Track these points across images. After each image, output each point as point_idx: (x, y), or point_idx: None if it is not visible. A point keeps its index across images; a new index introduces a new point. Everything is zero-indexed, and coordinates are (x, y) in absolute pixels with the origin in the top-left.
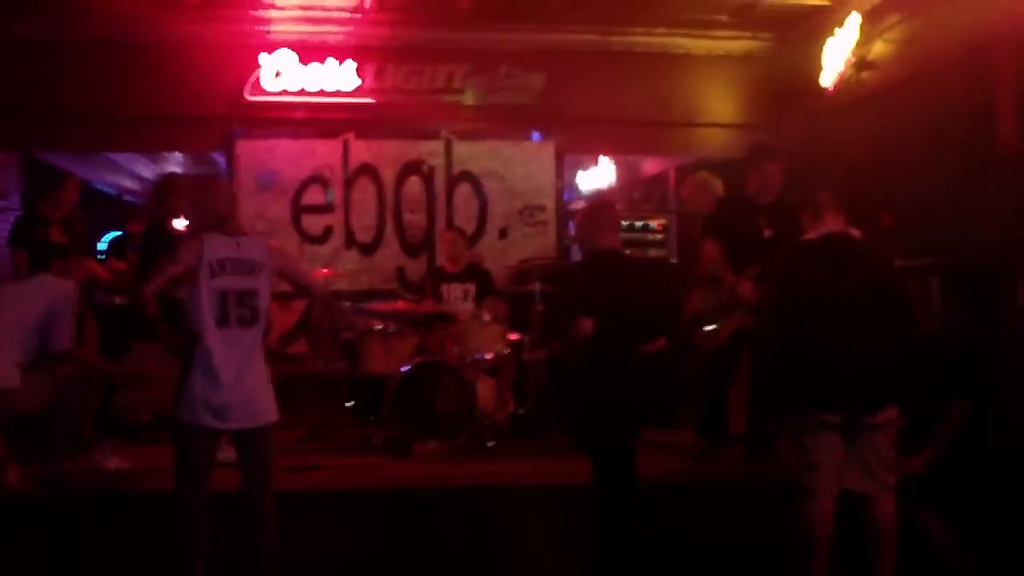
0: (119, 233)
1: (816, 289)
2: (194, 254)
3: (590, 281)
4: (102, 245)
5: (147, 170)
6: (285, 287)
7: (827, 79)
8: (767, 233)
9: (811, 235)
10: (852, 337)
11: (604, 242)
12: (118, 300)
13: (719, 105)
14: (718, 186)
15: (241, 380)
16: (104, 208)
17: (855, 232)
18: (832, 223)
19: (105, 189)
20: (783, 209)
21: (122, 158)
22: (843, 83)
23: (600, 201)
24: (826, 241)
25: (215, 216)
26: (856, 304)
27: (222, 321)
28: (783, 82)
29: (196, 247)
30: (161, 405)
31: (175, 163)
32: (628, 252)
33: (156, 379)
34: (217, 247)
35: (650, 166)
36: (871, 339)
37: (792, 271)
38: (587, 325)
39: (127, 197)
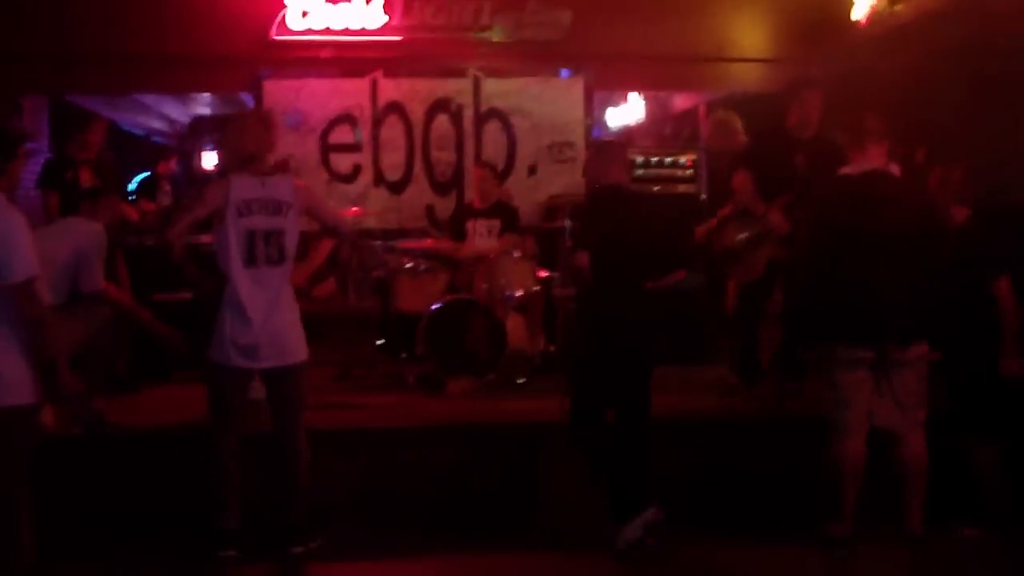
0: (148, 174)
1: (852, 227)
2: (220, 195)
3: (592, 216)
4: (132, 186)
5: (175, 111)
6: (314, 226)
7: (859, 12)
8: (802, 164)
9: (850, 169)
10: (886, 273)
11: (611, 178)
12: (149, 241)
13: (750, 39)
14: (738, 124)
15: (270, 319)
16: (133, 149)
17: (895, 169)
18: (875, 156)
19: (134, 130)
20: (823, 144)
21: (150, 99)
22: (876, 15)
23: (609, 139)
24: (866, 179)
25: (243, 156)
26: (892, 242)
27: (250, 261)
28: (815, 15)
29: (222, 188)
30: None
31: (203, 104)
32: (656, 189)
33: None
34: (243, 187)
35: (680, 102)
36: (905, 275)
37: (829, 209)
38: (582, 259)
39: (156, 138)
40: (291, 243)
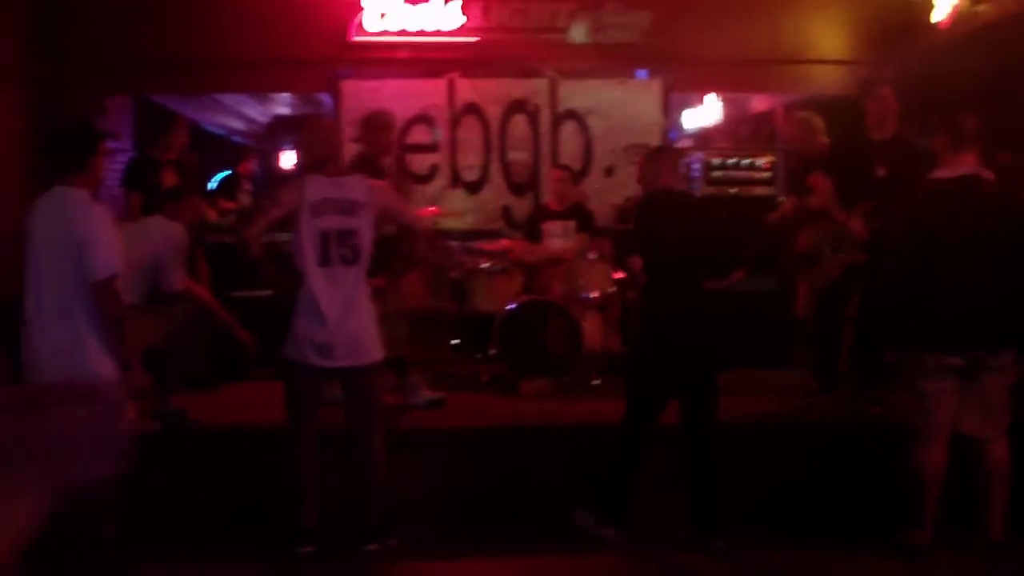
0: (229, 173)
1: (946, 232)
2: (295, 196)
3: (644, 220)
4: (212, 185)
5: (255, 111)
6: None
7: (940, 13)
8: (882, 171)
9: (944, 173)
10: (979, 279)
11: (663, 182)
12: (228, 239)
13: (828, 41)
14: (819, 125)
15: (345, 319)
16: (213, 149)
17: (988, 174)
18: (968, 160)
19: (214, 130)
20: (900, 146)
21: (230, 99)
22: (958, 17)
23: (662, 144)
24: (960, 185)
25: (318, 158)
26: (985, 247)
27: (324, 260)
28: (894, 16)
29: (297, 189)
30: None
31: (282, 104)
32: (733, 191)
33: None
34: (318, 188)
35: (757, 103)
36: (997, 281)
37: (921, 213)
38: (636, 263)
39: (235, 138)
40: (365, 243)
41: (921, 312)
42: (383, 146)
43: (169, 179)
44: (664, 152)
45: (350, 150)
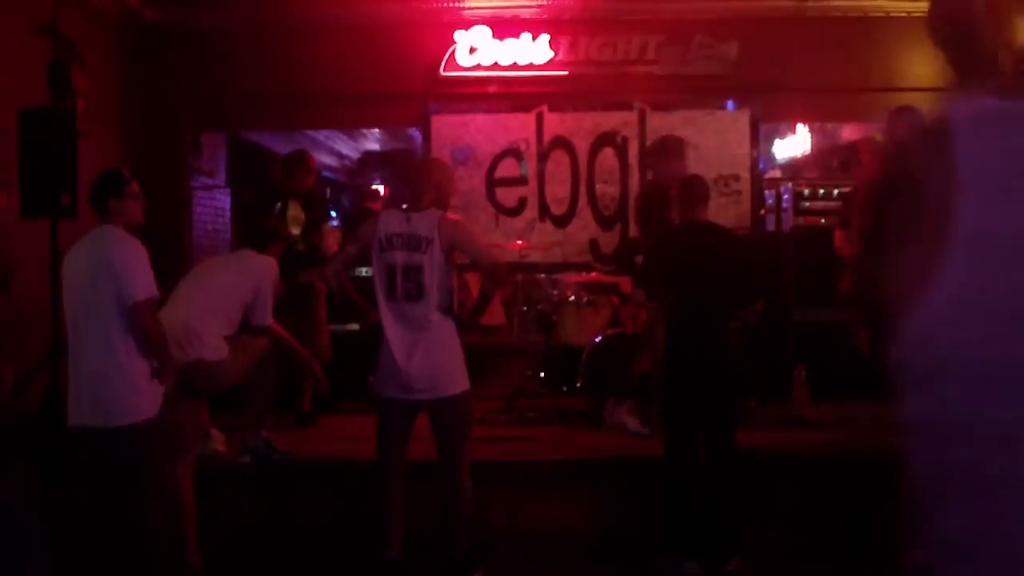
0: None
1: None
2: (369, 231)
3: (663, 253)
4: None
5: (345, 147)
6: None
7: None
8: None
9: None
10: None
11: (693, 214)
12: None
13: (919, 68)
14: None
15: (415, 353)
16: None
17: None
18: None
19: None
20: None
21: (321, 135)
22: None
23: (694, 175)
24: None
25: (404, 192)
26: None
27: (390, 295)
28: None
29: (372, 224)
30: None
31: (372, 139)
32: (823, 221)
33: None
34: (389, 223)
35: (848, 132)
36: None
37: None
38: (639, 295)
39: (326, 173)
40: (430, 279)
41: None
42: (674, 173)
43: (295, 212)
44: (690, 184)
45: None
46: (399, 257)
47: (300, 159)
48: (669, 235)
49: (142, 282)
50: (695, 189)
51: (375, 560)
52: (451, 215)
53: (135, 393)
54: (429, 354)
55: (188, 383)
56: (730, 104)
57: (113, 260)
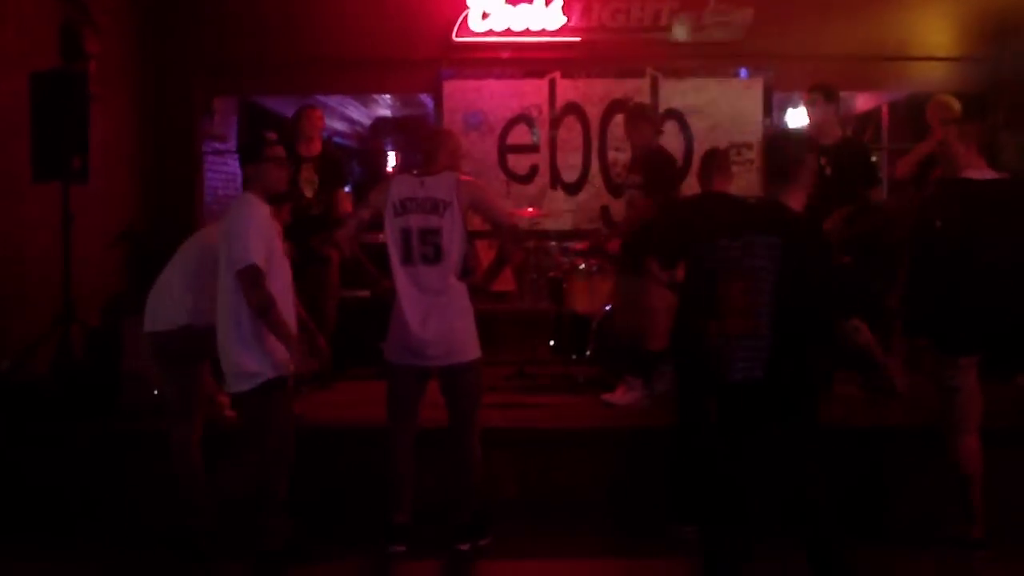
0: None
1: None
2: (381, 196)
3: (681, 222)
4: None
5: (357, 112)
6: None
7: None
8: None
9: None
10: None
11: (713, 186)
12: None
13: (935, 37)
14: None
15: (430, 318)
16: None
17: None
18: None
19: None
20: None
21: (333, 100)
22: None
23: (715, 147)
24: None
25: (415, 158)
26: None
27: (406, 259)
28: (1004, 11)
29: (383, 189)
30: None
31: (383, 105)
32: None
33: None
34: (402, 187)
35: (862, 102)
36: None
37: (957, 214)
38: (651, 264)
39: (336, 139)
40: (448, 242)
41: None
42: (647, 142)
43: (307, 176)
44: (715, 155)
45: None
46: (414, 221)
47: (298, 117)
48: (685, 204)
49: (241, 248)
50: (719, 161)
51: (384, 524)
52: (466, 176)
53: (247, 354)
54: (444, 319)
55: (189, 347)
56: (743, 72)
57: (225, 225)
